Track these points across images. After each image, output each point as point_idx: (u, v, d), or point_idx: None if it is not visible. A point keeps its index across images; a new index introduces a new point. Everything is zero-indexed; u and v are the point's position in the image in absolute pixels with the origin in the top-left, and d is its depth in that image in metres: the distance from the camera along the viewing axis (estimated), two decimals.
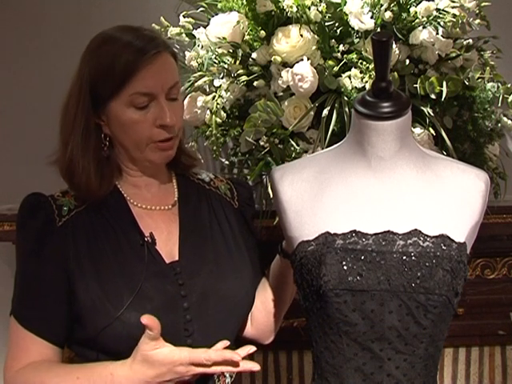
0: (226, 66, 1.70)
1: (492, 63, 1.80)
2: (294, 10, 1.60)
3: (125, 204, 1.33)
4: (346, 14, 1.65)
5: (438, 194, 1.22)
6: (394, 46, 1.63)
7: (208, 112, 1.70)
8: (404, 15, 1.65)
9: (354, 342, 1.16)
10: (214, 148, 1.69)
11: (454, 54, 1.71)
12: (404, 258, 1.14)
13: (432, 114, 1.66)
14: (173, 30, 1.76)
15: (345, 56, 1.65)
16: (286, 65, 1.65)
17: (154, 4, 1.93)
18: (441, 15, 1.64)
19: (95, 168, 1.29)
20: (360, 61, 1.64)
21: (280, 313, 1.46)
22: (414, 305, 1.13)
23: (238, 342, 1.36)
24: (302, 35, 1.62)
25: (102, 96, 1.26)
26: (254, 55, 1.68)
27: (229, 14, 1.68)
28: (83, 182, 1.28)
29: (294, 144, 1.66)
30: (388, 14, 1.62)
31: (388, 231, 1.17)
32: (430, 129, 1.66)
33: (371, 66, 1.59)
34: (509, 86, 1.73)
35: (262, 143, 1.65)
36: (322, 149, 1.53)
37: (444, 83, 1.62)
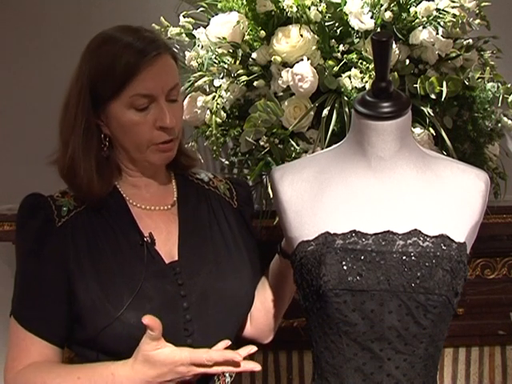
0: (225, 65, 1.70)
1: (492, 63, 1.80)
2: (294, 9, 1.60)
3: (124, 204, 1.33)
4: (346, 14, 1.65)
5: (437, 194, 1.22)
6: (394, 45, 1.63)
7: (208, 112, 1.70)
8: (404, 15, 1.65)
9: (353, 341, 1.16)
10: (214, 148, 1.69)
11: (454, 54, 1.71)
12: (404, 258, 1.14)
13: (432, 113, 1.66)
14: (173, 30, 1.76)
15: (345, 56, 1.65)
16: (286, 65, 1.65)
17: (154, 4, 1.93)
18: (441, 15, 1.64)
19: (96, 168, 1.29)
20: (360, 61, 1.64)
21: (279, 312, 1.46)
22: (414, 305, 1.14)
23: (237, 341, 1.36)
24: (302, 35, 1.62)
25: (101, 96, 1.26)
26: (254, 55, 1.67)
27: (229, 14, 1.68)
28: (85, 183, 1.28)
29: (294, 144, 1.66)
30: (388, 14, 1.62)
31: (388, 231, 1.17)
32: (430, 129, 1.65)
33: (371, 66, 1.59)
34: (509, 85, 1.73)
35: (262, 143, 1.65)
36: (322, 149, 1.53)
37: (444, 83, 1.62)
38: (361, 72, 1.63)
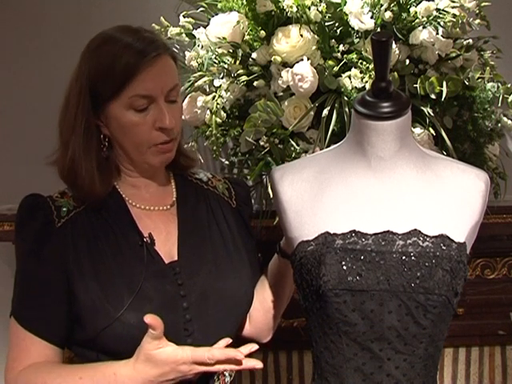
0: (225, 65, 1.70)
1: (492, 63, 1.80)
2: (294, 9, 1.60)
3: (123, 205, 1.33)
4: (346, 14, 1.65)
5: (437, 194, 1.22)
6: (394, 45, 1.63)
7: (208, 112, 1.70)
8: (404, 15, 1.65)
9: (353, 341, 1.16)
10: (214, 148, 1.69)
11: (454, 54, 1.71)
12: (403, 258, 1.14)
13: (432, 113, 1.66)
14: (173, 30, 1.75)
15: (345, 56, 1.65)
16: (286, 65, 1.65)
17: (154, 4, 1.93)
18: (441, 15, 1.64)
19: (97, 169, 1.29)
20: (360, 61, 1.64)
21: (278, 311, 1.46)
22: (414, 305, 1.13)
23: (236, 341, 1.36)
24: (302, 35, 1.62)
25: (101, 97, 1.26)
26: (254, 55, 1.67)
27: (229, 14, 1.68)
28: (86, 184, 1.28)
29: (294, 144, 1.66)
30: (388, 14, 1.62)
31: (388, 231, 1.17)
32: (430, 129, 1.65)
33: (371, 66, 1.59)
34: (509, 85, 1.73)
35: (262, 143, 1.65)
36: (322, 149, 1.53)
37: (444, 83, 1.62)
38: (361, 72, 1.63)
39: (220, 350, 1.20)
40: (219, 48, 1.69)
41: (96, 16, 1.94)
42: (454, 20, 1.62)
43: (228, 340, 1.23)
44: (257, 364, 1.20)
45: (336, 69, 1.65)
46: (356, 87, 1.64)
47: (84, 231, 1.28)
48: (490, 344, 2.06)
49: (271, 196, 1.42)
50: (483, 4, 1.73)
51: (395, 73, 1.64)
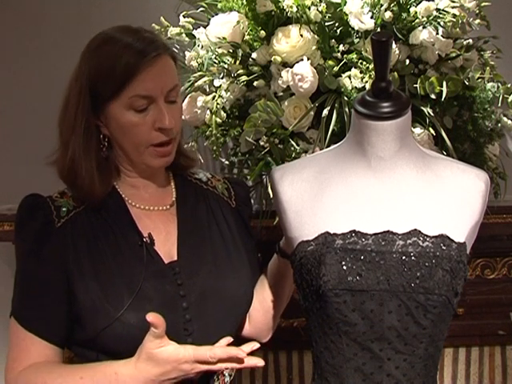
0: (225, 65, 1.70)
1: (492, 63, 1.80)
2: (294, 9, 1.60)
3: (123, 205, 1.33)
4: (346, 14, 1.65)
5: (437, 194, 1.22)
6: (394, 45, 1.63)
7: (208, 112, 1.70)
8: (404, 15, 1.65)
9: (353, 341, 1.16)
10: (214, 148, 1.69)
11: (454, 54, 1.71)
12: (403, 258, 1.14)
13: (432, 113, 1.66)
14: (173, 30, 1.75)
15: (345, 56, 1.65)
16: (286, 65, 1.65)
17: (154, 4, 1.93)
18: (441, 15, 1.64)
19: (97, 169, 1.29)
20: (360, 61, 1.64)
21: (278, 311, 1.46)
22: (414, 305, 1.13)
23: (236, 340, 1.36)
24: (302, 35, 1.62)
25: (101, 97, 1.26)
26: (254, 55, 1.67)
27: (229, 14, 1.68)
28: (86, 184, 1.28)
29: (294, 144, 1.66)
30: (388, 14, 1.62)
31: (388, 231, 1.17)
32: (430, 129, 1.65)
33: (371, 66, 1.59)
34: (509, 85, 1.73)
35: (262, 143, 1.65)
36: (321, 149, 1.53)
37: (444, 83, 1.62)
38: (361, 72, 1.63)
39: (222, 348, 1.20)
40: (219, 48, 1.69)
41: (96, 16, 1.94)
42: (454, 20, 1.62)
43: (229, 339, 1.23)
44: (258, 362, 1.20)
45: (336, 69, 1.65)
46: (356, 87, 1.64)
47: (84, 231, 1.28)
48: (489, 344, 2.06)
49: (271, 196, 1.42)
50: (483, 4, 1.73)
51: (395, 73, 1.64)
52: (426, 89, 1.63)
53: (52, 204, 1.29)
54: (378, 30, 1.64)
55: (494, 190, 1.77)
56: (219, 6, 1.73)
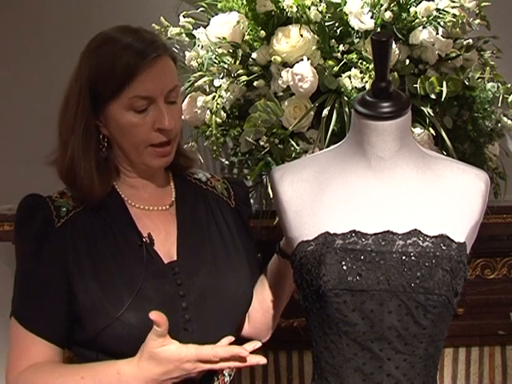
0: (225, 65, 1.70)
1: (492, 63, 1.80)
2: (294, 9, 1.60)
3: (123, 205, 1.33)
4: (346, 14, 1.65)
5: (437, 194, 1.22)
6: (394, 45, 1.63)
7: (208, 112, 1.70)
8: (404, 15, 1.65)
9: (353, 341, 1.16)
10: (214, 148, 1.69)
11: (454, 54, 1.71)
12: (403, 258, 1.14)
13: (432, 113, 1.66)
14: (173, 30, 1.75)
15: (345, 56, 1.65)
16: (286, 65, 1.65)
17: (154, 4, 1.93)
18: (441, 15, 1.64)
19: (96, 169, 1.29)
20: (360, 61, 1.64)
21: (277, 311, 1.46)
22: (414, 305, 1.13)
23: (236, 340, 1.36)
24: (302, 35, 1.62)
25: (101, 97, 1.26)
26: (254, 55, 1.68)
27: (229, 14, 1.68)
28: (85, 184, 1.28)
29: (294, 144, 1.66)
30: (388, 14, 1.62)
31: (388, 231, 1.17)
32: (430, 129, 1.66)
33: (371, 66, 1.59)
34: (509, 85, 1.73)
35: (262, 143, 1.66)
36: (321, 149, 1.53)
37: (444, 83, 1.62)
38: (361, 72, 1.63)
39: (225, 347, 1.20)
40: (219, 48, 1.69)
41: (96, 16, 1.94)
42: (454, 20, 1.63)
43: (231, 338, 1.24)
44: (261, 360, 1.21)
45: (336, 69, 1.65)
46: (356, 87, 1.64)
47: (83, 231, 1.28)
48: (490, 344, 2.06)
49: (271, 196, 1.42)
50: (483, 4, 1.73)
51: (395, 73, 1.64)
52: (426, 89, 1.63)
53: (52, 204, 1.29)
54: (378, 29, 1.64)
55: (494, 190, 1.77)
56: (219, 5, 1.73)
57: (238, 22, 1.65)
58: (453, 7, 1.64)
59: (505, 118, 1.78)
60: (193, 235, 1.35)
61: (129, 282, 1.25)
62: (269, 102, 1.62)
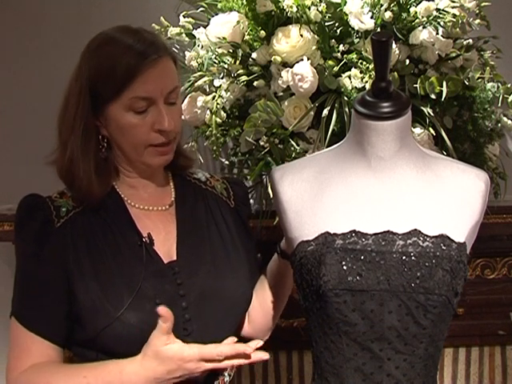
0: (225, 65, 1.70)
1: (492, 63, 1.80)
2: (294, 9, 1.60)
3: (122, 205, 1.33)
4: (346, 14, 1.65)
5: (437, 194, 1.22)
6: (394, 45, 1.63)
7: (208, 112, 1.70)
8: (404, 15, 1.65)
9: (353, 341, 1.16)
10: (214, 148, 1.69)
11: (454, 54, 1.71)
12: (404, 258, 1.14)
13: (432, 113, 1.66)
14: (173, 30, 1.75)
15: (345, 56, 1.65)
16: (286, 65, 1.65)
17: (154, 4, 1.93)
18: (441, 15, 1.64)
19: (95, 170, 1.29)
20: (360, 61, 1.64)
21: (277, 311, 1.46)
22: (414, 305, 1.13)
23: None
24: (302, 35, 1.62)
25: (101, 97, 1.26)
26: (254, 55, 1.67)
27: (229, 14, 1.68)
28: (84, 184, 1.28)
29: (294, 144, 1.66)
30: (388, 14, 1.62)
31: (388, 231, 1.17)
32: (430, 129, 1.66)
33: (371, 66, 1.59)
34: (509, 85, 1.73)
35: (262, 143, 1.66)
36: (319, 149, 1.53)
37: (444, 83, 1.62)
38: (361, 72, 1.63)
39: (228, 345, 1.20)
40: (219, 48, 1.69)
41: (96, 16, 1.94)
42: (454, 20, 1.62)
43: (234, 338, 1.24)
44: (264, 355, 1.21)
45: (336, 69, 1.65)
46: (356, 87, 1.64)
47: (83, 231, 1.28)
48: (490, 344, 2.06)
49: (271, 196, 1.42)
50: (483, 4, 1.73)
51: (395, 73, 1.64)
52: (426, 89, 1.63)
53: (51, 204, 1.30)
54: (378, 29, 1.64)
55: (494, 190, 1.77)
56: (219, 5, 1.73)
57: (238, 22, 1.65)
58: (453, 7, 1.64)
59: (505, 118, 1.78)
60: (192, 235, 1.35)
61: (129, 282, 1.25)
62: (269, 102, 1.62)
